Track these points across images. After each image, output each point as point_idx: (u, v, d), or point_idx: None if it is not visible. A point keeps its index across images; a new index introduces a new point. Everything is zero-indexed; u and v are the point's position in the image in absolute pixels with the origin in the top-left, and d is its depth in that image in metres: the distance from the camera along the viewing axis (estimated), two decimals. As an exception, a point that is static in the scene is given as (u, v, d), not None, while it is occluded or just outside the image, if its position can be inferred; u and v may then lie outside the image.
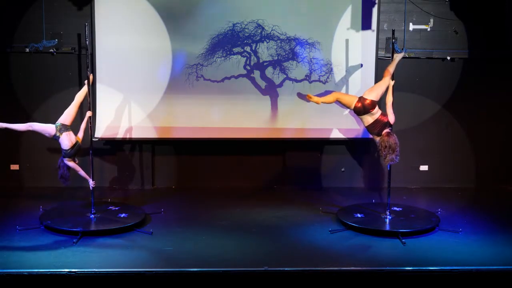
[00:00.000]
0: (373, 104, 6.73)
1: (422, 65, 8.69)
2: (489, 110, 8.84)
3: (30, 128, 6.83)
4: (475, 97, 8.79)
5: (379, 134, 6.77)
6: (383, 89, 6.89)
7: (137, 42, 8.22)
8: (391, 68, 6.99)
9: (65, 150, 6.75)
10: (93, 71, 8.05)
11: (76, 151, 6.83)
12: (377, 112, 6.76)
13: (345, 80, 8.43)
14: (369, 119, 6.79)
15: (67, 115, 6.86)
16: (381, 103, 6.92)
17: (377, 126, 6.76)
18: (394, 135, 6.71)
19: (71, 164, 6.81)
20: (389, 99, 6.85)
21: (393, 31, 7.22)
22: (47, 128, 6.77)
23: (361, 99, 6.80)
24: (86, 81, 7.00)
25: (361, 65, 8.36)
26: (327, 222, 7.08)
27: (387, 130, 6.73)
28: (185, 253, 6.00)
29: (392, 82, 6.95)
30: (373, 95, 6.79)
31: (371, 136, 8.39)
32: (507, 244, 6.35)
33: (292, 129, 8.50)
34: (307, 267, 5.58)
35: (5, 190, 8.27)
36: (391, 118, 6.75)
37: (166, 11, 8.21)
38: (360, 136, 8.54)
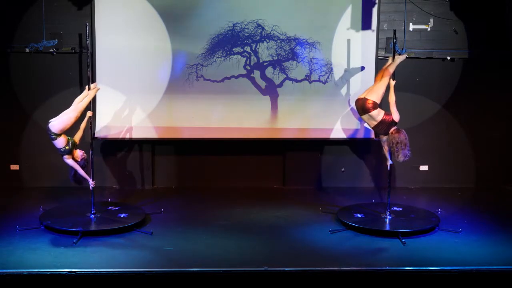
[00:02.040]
0: (374, 105, 6.70)
1: (422, 65, 8.69)
2: (489, 110, 8.84)
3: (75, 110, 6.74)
4: (475, 97, 8.79)
5: (386, 133, 6.77)
6: (383, 90, 6.86)
7: (137, 42, 8.22)
8: (391, 69, 6.98)
9: (61, 148, 6.71)
10: (93, 71, 8.04)
11: (73, 146, 6.79)
12: (379, 114, 6.73)
13: (345, 80, 8.43)
14: (372, 121, 6.78)
15: (68, 123, 6.70)
16: (383, 103, 6.92)
17: (383, 127, 6.74)
18: (403, 130, 6.70)
19: (70, 162, 6.76)
20: (392, 98, 6.83)
21: (395, 31, 7.19)
22: (65, 120, 6.66)
23: (363, 99, 6.77)
24: (88, 89, 6.95)
25: (362, 68, 8.36)
26: (327, 222, 7.08)
27: (394, 127, 6.73)
28: (185, 253, 6.00)
29: (393, 82, 6.94)
30: (374, 96, 6.77)
31: (371, 136, 8.45)
32: (507, 244, 6.35)
33: (292, 129, 8.50)
34: (307, 267, 5.58)
35: (5, 190, 8.27)
36: (396, 116, 6.72)
37: (166, 11, 8.21)
38: (360, 136, 8.54)
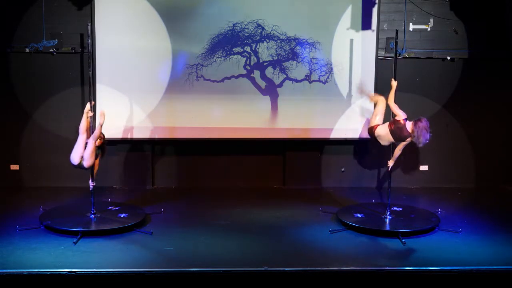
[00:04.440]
0: (378, 126, 6.94)
1: (422, 65, 8.69)
2: (489, 110, 8.84)
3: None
4: (475, 97, 8.79)
5: (409, 135, 6.67)
6: (382, 109, 7.03)
7: (137, 42, 8.22)
8: (390, 101, 6.90)
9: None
10: (93, 71, 8.03)
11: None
12: (383, 129, 6.82)
13: (345, 80, 8.43)
14: (387, 137, 6.84)
15: (93, 151, 6.69)
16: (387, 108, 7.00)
17: (400, 133, 6.71)
18: (421, 118, 6.64)
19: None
20: (391, 101, 6.82)
21: (397, 32, 7.13)
22: (90, 152, 6.69)
23: (369, 128, 7.06)
24: (91, 109, 6.88)
25: (362, 67, 8.36)
26: (327, 222, 7.09)
27: (411, 122, 6.66)
28: (185, 253, 6.00)
29: (395, 83, 6.93)
30: (377, 120, 6.99)
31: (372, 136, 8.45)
32: (507, 244, 6.35)
33: (292, 129, 8.50)
34: (307, 267, 5.58)
35: (5, 190, 8.27)
36: (401, 116, 6.69)
37: (166, 11, 8.21)
38: (360, 136, 8.54)
